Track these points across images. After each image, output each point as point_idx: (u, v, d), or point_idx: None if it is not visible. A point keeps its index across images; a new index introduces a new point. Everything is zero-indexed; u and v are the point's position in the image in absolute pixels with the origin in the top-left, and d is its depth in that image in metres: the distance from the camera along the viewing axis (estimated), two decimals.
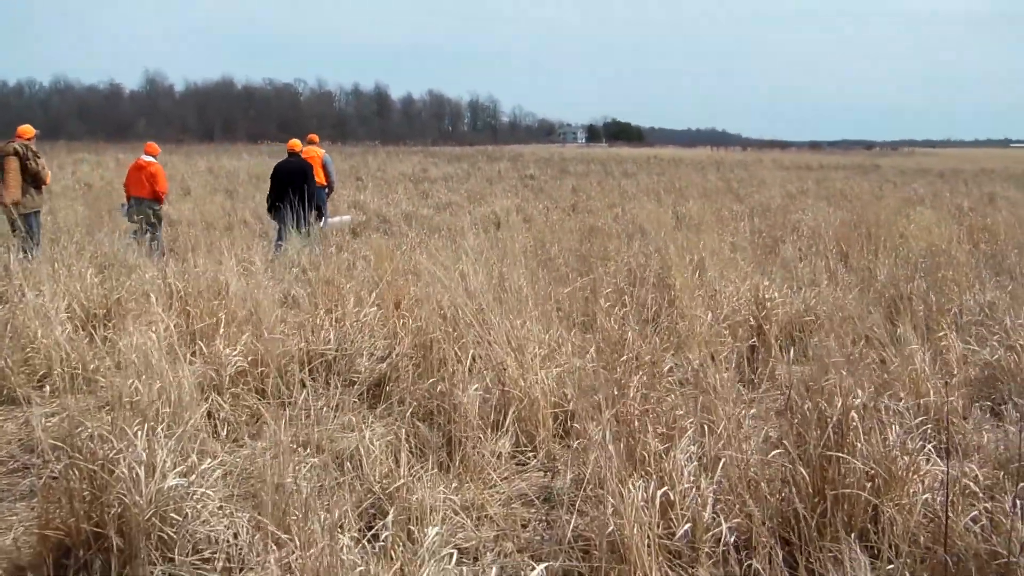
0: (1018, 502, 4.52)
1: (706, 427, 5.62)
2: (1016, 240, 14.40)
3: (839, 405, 5.10)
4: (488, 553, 4.91)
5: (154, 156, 14.99)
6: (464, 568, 4.58)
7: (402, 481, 5.11)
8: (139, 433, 5.00)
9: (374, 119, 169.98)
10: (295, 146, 15.10)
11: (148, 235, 14.32)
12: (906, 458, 4.89)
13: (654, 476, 4.82)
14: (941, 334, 8.16)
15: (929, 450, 5.23)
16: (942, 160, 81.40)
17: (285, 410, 6.53)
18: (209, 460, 5.25)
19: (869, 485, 4.79)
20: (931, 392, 6.62)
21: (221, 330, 7.83)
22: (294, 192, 13.95)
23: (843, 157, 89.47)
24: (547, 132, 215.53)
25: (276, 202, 14.30)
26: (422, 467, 5.43)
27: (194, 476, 4.93)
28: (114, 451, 4.83)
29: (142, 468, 4.66)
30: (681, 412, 5.80)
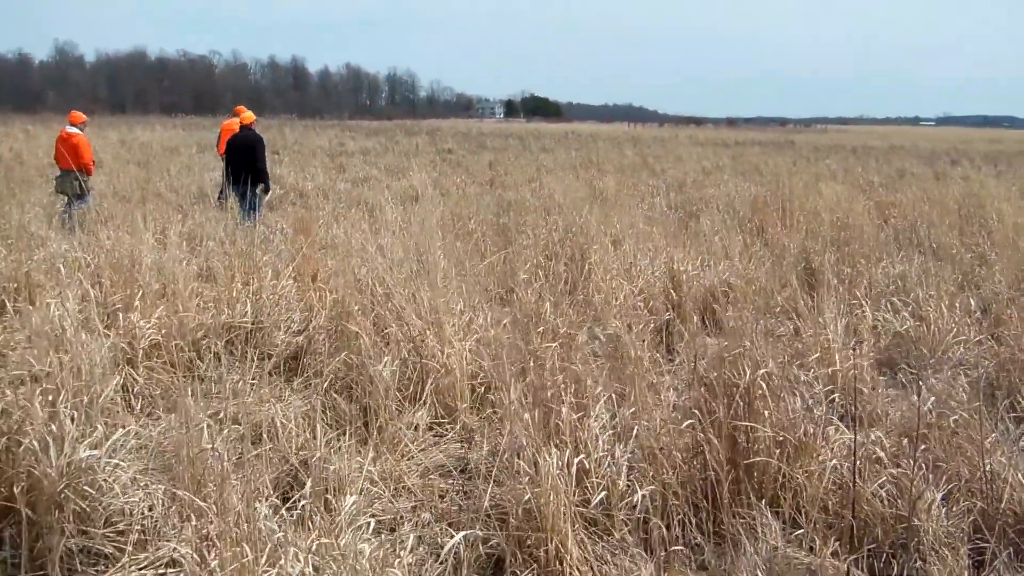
0: (922, 467, 4.66)
1: (620, 397, 5.70)
2: (925, 215, 14.70)
3: (750, 375, 5.19)
4: (406, 523, 4.94)
5: (78, 125, 14.67)
6: (382, 537, 4.60)
7: (319, 452, 5.11)
8: (45, 405, 4.94)
9: (291, 92, 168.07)
10: (248, 119, 14.84)
11: (65, 207, 14.09)
12: (813, 426, 5.01)
13: (569, 445, 4.88)
14: (854, 304, 8.35)
15: (835, 419, 5.36)
16: (854, 137, 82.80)
17: (200, 383, 6.49)
18: (122, 432, 5.20)
19: (778, 452, 4.90)
20: (838, 361, 6.77)
21: (136, 303, 7.73)
22: (241, 166, 13.86)
23: (759, 133, 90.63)
24: (465, 107, 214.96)
25: (229, 176, 14.11)
26: (339, 439, 5.44)
27: (105, 448, 4.88)
28: (22, 424, 4.78)
29: (52, 441, 4.61)
30: (595, 382, 5.87)
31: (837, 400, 5.92)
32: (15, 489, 4.57)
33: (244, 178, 13.72)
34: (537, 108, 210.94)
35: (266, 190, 14.85)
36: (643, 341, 6.59)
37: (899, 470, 4.88)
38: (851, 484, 4.56)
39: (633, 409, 5.41)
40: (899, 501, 4.61)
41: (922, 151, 50.16)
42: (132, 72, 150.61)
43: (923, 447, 5.06)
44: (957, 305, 8.48)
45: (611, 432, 5.15)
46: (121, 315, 7.57)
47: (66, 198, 14.32)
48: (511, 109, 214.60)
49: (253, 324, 7.86)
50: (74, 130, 14.50)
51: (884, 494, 4.70)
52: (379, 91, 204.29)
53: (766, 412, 5.03)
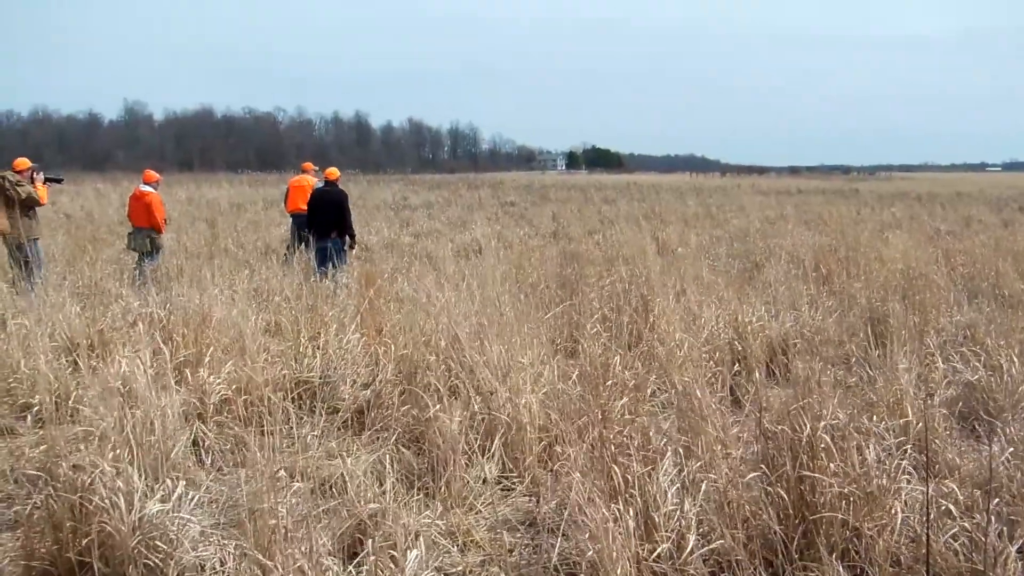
0: (992, 519, 4.57)
1: (688, 449, 5.66)
2: (993, 263, 14.49)
3: (810, 427, 5.14)
4: None
5: (152, 184, 14.94)
6: None
7: (387, 506, 5.13)
8: (120, 462, 5.02)
9: (354, 147, 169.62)
10: (332, 174, 15.07)
11: (136, 263, 14.35)
12: (884, 478, 4.94)
13: (638, 498, 4.85)
14: (926, 354, 8.26)
15: (909, 470, 5.28)
16: (919, 184, 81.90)
17: (269, 437, 6.55)
18: (187, 486, 5.27)
19: (845, 505, 4.83)
20: (911, 412, 6.68)
21: (205, 358, 7.83)
22: (329, 220, 14.18)
23: (822, 182, 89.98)
24: (527, 159, 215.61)
25: (312, 230, 14.35)
26: (407, 493, 5.46)
27: (176, 503, 4.94)
28: (92, 480, 4.85)
29: (122, 497, 4.68)
30: (663, 435, 5.84)
31: (909, 451, 5.83)
32: (86, 543, 4.64)
33: (327, 232, 13.97)
34: (599, 159, 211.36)
35: (353, 244, 15.00)
36: (710, 393, 6.54)
37: (972, 522, 4.80)
38: (924, 537, 4.49)
39: (700, 463, 5.37)
40: (974, 555, 4.52)
41: (989, 197, 49.56)
42: (199, 130, 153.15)
43: (996, 500, 4.98)
44: None
45: (678, 486, 5.11)
46: (191, 371, 7.68)
47: (137, 255, 14.58)
48: (573, 161, 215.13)
49: (321, 378, 7.92)
50: (147, 188, 14.75)
51: (958, 547, 4.62)
52: (441, 145, 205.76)
53: (832, 464, 4.97)
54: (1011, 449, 5.66)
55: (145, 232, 14.31)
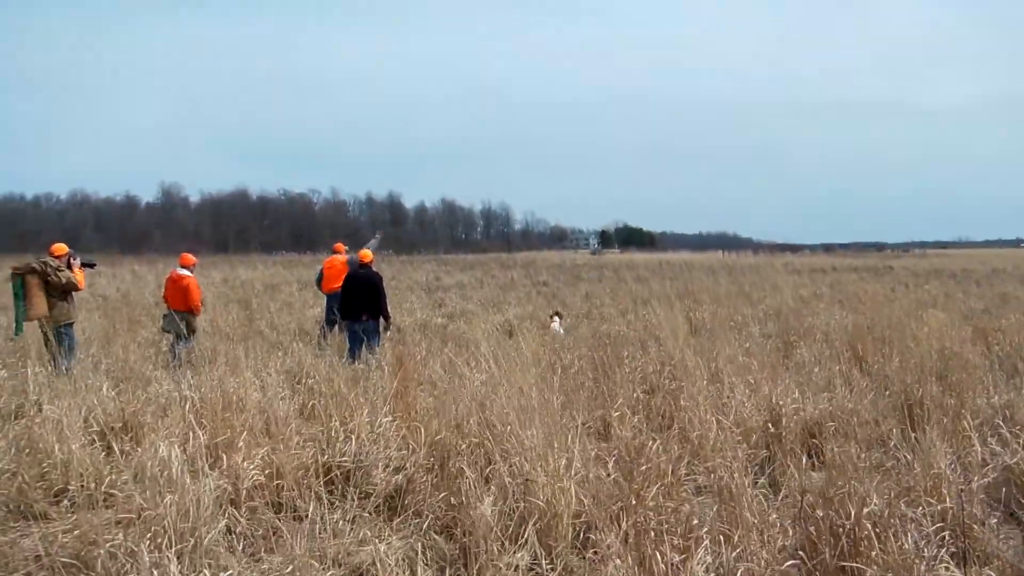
0: None
1: (723, 536, 5.60)
2: None
3: (853, 514, 5.08)
4: None
5: (189, 267, 15.17)
6: None
7: None
8: (155, 549, 5.01)
9: (388, 227, 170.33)
10: (366, 256, 15.26)
11: (171, 346, 14.46)
12: (923, 566, 4.86)
13: None
14: (963, 437, 8.13)
15: (946, 558, 5.19)
16: (954, 261, 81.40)
17: (301, 523, 6.53)
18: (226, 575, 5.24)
19: None
20: (948, 498, 6.57)
21: (240, 443, 7.83)
22: (363, 303, 14.44)
23: (856, 259, 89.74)
24: (560, 238, 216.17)
25: (346, 312, 14.62)
26: None
27: None
28: (128, 568, 4.85)
29: None
30: (697, 521, 5.78)
31: (947, 538, 5.74)
32: None
33: (359, 315, 14.10)
34: (631, 238, 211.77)
35: (388, 325, 15.11)
36: (745, 477, 6.47)
37: None
38: None
39: (738, 550, 5.30)
40: None
41: None
42: (234, 211, 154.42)
43: None
44: None
45: (714, 574, 5.05)
46: (225, 455, 7.67)
47: (172, 336, 14.70)
48: (605, 239, 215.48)
49: (353, 463, 7.89)
50: (184, 272, 14.98)
51: None
52: (474, 225, 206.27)
53: (872, 553, 4.90)
54: None
55: (181, 315, 14.45)
